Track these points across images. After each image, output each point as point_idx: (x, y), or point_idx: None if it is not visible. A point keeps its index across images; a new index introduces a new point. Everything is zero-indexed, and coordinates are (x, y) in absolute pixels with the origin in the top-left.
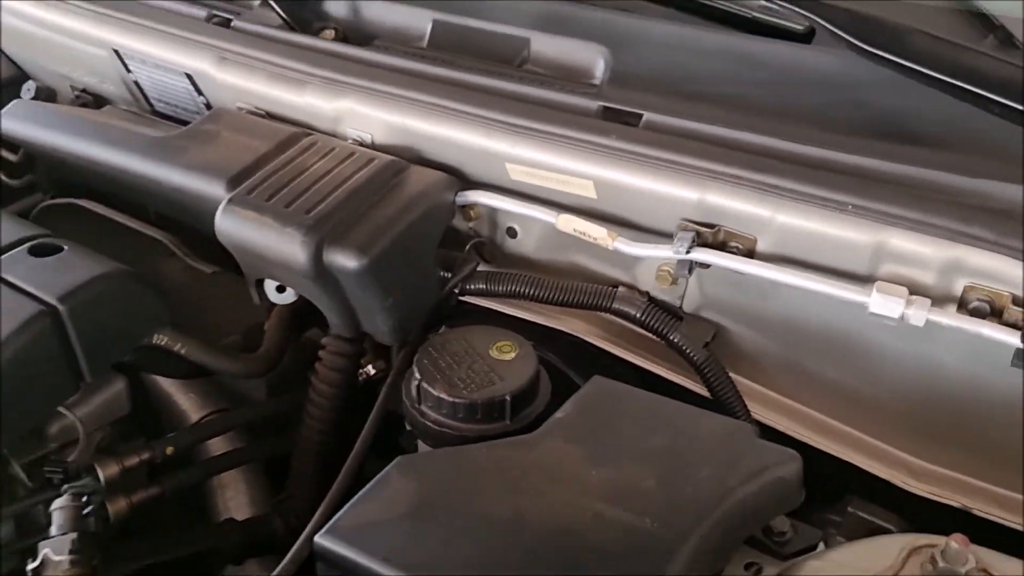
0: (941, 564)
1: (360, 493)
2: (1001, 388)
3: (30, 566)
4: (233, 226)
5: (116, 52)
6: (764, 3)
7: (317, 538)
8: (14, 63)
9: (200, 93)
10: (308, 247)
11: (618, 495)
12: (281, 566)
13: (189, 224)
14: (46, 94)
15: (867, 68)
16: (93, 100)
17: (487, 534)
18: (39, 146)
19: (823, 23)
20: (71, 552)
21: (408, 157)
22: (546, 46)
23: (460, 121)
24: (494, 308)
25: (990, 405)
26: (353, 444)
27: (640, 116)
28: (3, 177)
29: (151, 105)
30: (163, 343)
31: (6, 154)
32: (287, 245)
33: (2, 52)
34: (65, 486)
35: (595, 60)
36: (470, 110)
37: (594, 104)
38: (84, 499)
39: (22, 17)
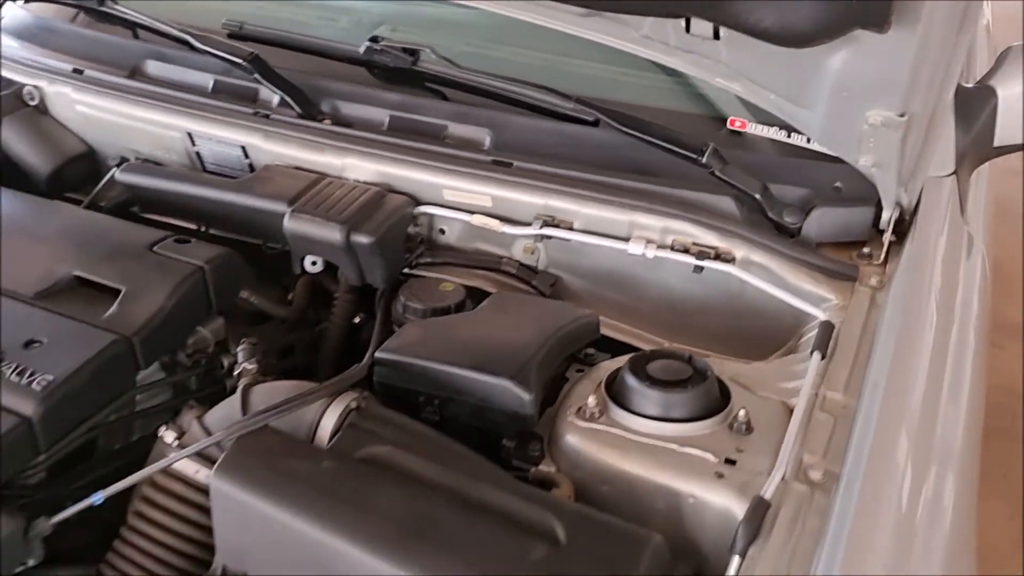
0: None
1: (391, 338)
2: (691, 288)
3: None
4: (296, 224)
5: (189, 134)
6: (576, 105)
7: (378, 353)
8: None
9: (247, 157)
10: (343, 232)
11: (504, 328)
12: (347, 373)
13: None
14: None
15: (623, 138)
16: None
17: (457, 335)
18: (150, 189)
19: (603, 117)
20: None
21: (385, 188)
22: (457, 130)
23: (414, 167)
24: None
25: (688, 298)
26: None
27: (511, 164)
28: None
29: (204, 167)
30: (246, 295)
31: None
32: (330, 231)
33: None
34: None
35: (484, 137)
36: (419, 161)
37: (487, 158)
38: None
39: (101, 110)
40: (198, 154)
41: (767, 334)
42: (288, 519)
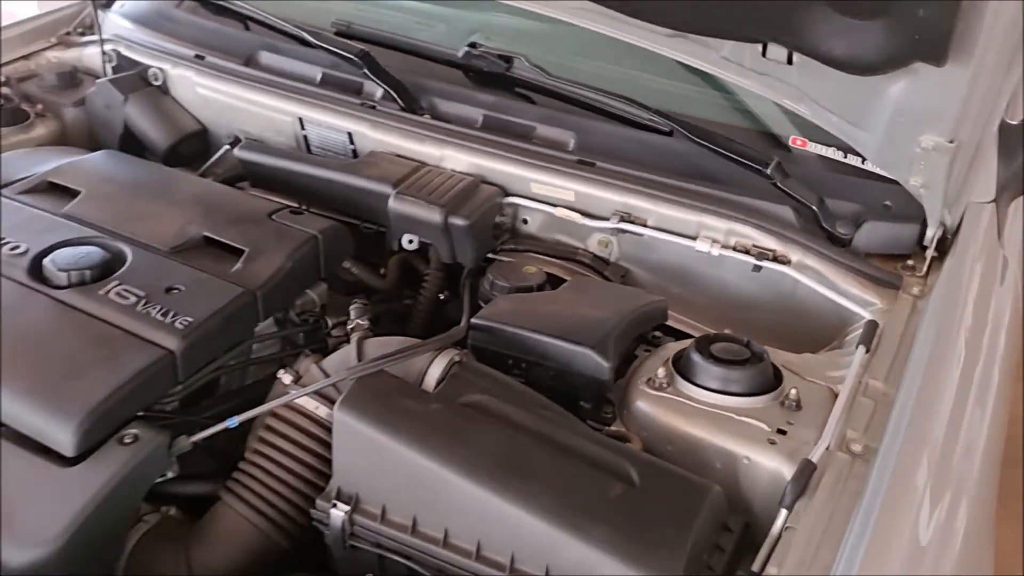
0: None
1: (486, 307)
2: (748, 285)
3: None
4: (399, 205)
5: (300, 119)
6: (654, 116)
7: (475, 319)
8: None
9: (352, 143)
10: (442, 214)
11: (585, 306)
12: (450, 332)
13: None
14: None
15: (693, 147)
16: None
17: (543, 309)
18: (264, 165)
19: (677, 127)
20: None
21: (478, 179)
22: (545, 131)
23: (505, 161)
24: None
25: (744, 294)
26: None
27: (594, 164)
28: None
29: (309, 149)
30: (348, 265)
31: None
32: (431, 213)
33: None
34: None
35: (569, 139)
36: (510, 156)
37: (572, 157)
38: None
39: (220, 92)
40: (305, 137)
41: (814, 331)
42: (400, 449)
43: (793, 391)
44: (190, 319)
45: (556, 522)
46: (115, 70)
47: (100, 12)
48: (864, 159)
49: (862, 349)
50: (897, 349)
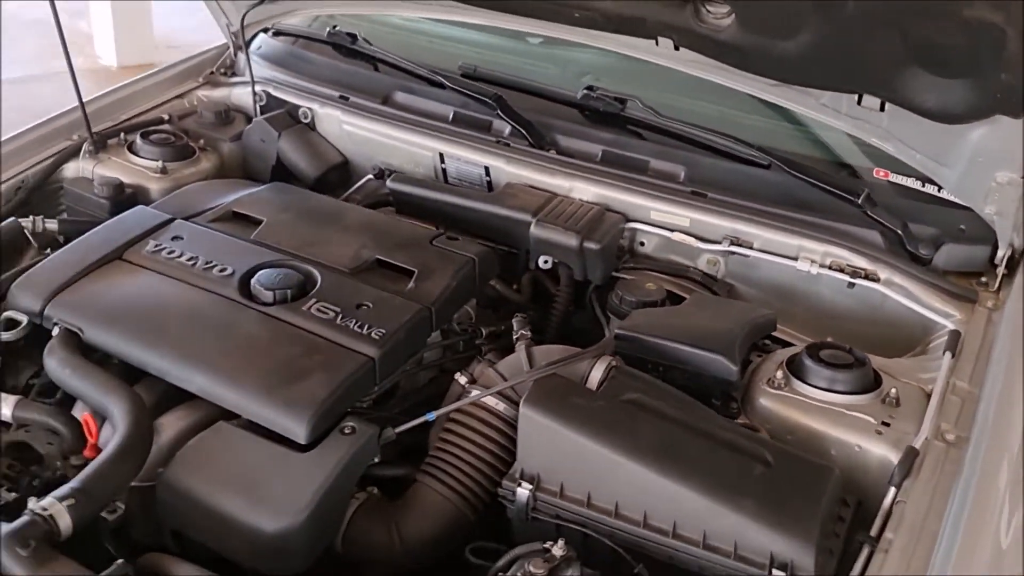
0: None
1: (626, 320)
2: (840, 300)
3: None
4: (540, 232)
5: (440, 154)
6: (754, 151)
7: (618, 330)
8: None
9: (488, 175)
10: (578, 239)
11: (709, 318)
12: (604, 341)
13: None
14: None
15: (789, 179)
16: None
17: (675, 321)
18: (415, 195)
19: (775, 161)
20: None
21: (603, 207)
22: (658, 165)
23: (627, 192)
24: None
25: (837, 308)
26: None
27: (706, 195)
28: None
29: (446, 180)
30: (493, 283)
31: None
32: (568, 239)
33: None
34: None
35: (680, 171)
36: (632, 187)
37: (686, 188)
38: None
39: (364, 129)
40: (444, 170)
41: (899, 340)
42: (576, 438)
43: (893, 390)
44: (383, 331)
45: (711, 496)
46: (263, 109)
47: (240, 54)
48: (940, 188)
49: (948, 355)
50: (978, 355)
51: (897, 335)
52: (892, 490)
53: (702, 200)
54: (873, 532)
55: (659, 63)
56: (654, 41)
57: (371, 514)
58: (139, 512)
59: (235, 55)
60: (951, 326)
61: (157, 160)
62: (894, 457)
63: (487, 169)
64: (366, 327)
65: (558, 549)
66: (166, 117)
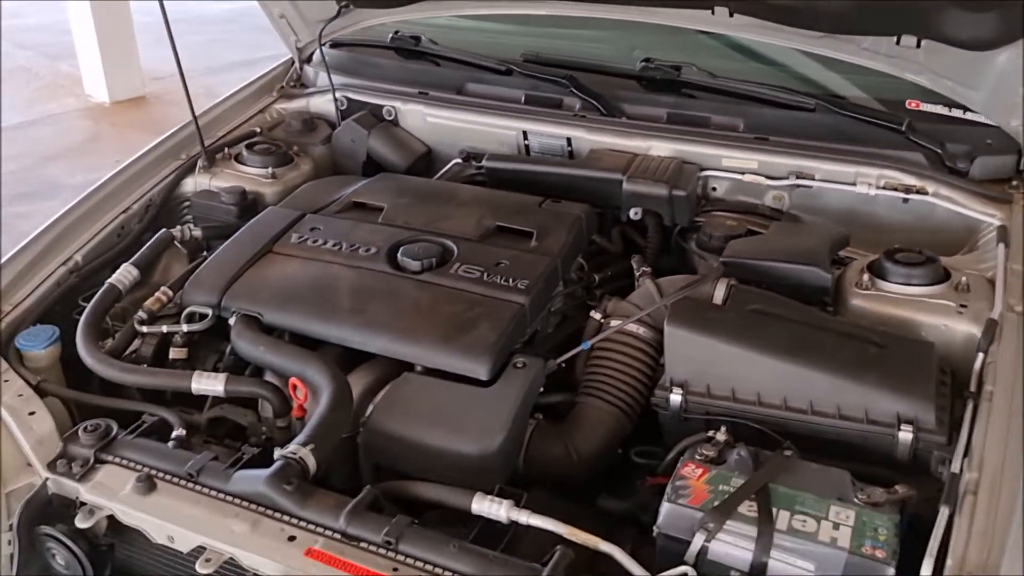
0: None
1: (726, 249)
2: (894, 215)
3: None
4: (632, 186)
5: (524, 132)
6: (802, 98)
7: (723, 257)
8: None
9: (569, 146)
10: (667, 189)
11: (795, 239)
12: (717, 267)
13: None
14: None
15: (835, 117)
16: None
17: (767, 245)
18: (511, 170)
19: (820, 102)
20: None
21: (680, 160)
22: (718, 119)
23: (698, 144)
24: None
25: (892, 222)
26: None
27: (767, 138)
28: None
29: (528, 153)
30: (595, 236)
31: None
32: (659, 189)
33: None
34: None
35: (739, 123)
36: (701, 140)
37: (750, 135)
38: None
39: (448, 119)
40: (527, 146)
41: (950, 243)
42: (717, 344)
43: (963, 279)
44: (527, 281)
45: (839, 374)
46: (343, 113)
47: (306, 67)
48: (965, 110)
49: (1002, 246)
50: (1022, 242)
51: (948, 239)
52: (980, 355)
53: (765, 144)
54: (972, 387)
55: (714, 31)
56: (710, 11)
57: (546, 435)
58: (339, 460)
59: (300, 69)
60: (997, 223)
61: (266, 167)
62: (976, 331)
63: (568, 140)
64: (511, 280)
65: (721, 435)
66: (258, 130)
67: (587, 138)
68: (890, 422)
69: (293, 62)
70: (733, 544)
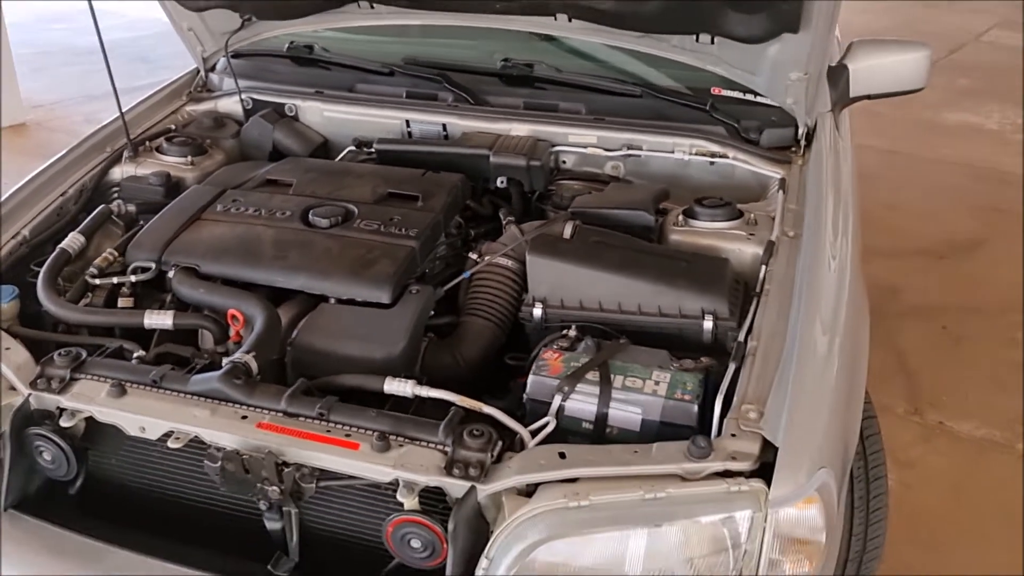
0: None
1: (574, 202)
2: (704, 175)
3: None
4: (498, 159)
5: (407, 121)
6: (630, 87)
7: (572, 208)
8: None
9: (444, 131)
10: (525, 160)
11: (626, 194)
12: (565, 213)
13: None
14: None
15: (658, 101)
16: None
17: (601, 199)
18: (399, 151)
19: (646, 90)
20: (513, 216)
21: (535, 138)
22: (565, 105)
23: (549, 124)
24: None
25: (703, 181)
26: None
27: (604, 119)
28: None
29: (411, 136)
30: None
31: None
32: (519, 160)
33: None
34: None
35: (581, 107)
36: (551, 121)
37: (590, 117)
38: None
39: (342, 113)
40: (410, 133)
41: (747, 196)
42: (567, 266)
43: (752, 215)
44: (416, 230)
45: (659, 283)
46: (248, 112)
47: (211, 74)
48: (756, 95)
49: (781, 193)
50: (798, 191)
51: (746, 193)
52: (763, 268)
53: (602, 123)
54: (758, 287)
55: (556, 33)
56: (553, 17)
57: (437, 347)
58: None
59: (206, 76)
60: (779, 177)
61: (185, 156)
62: (760, 251)
63: (444, 126)
64: (403, 229)
65: (572, 332)
66: (173, 127)
67: (459, 123)
68: (696, 315)
69: (198, 71)
70: (582, 401)
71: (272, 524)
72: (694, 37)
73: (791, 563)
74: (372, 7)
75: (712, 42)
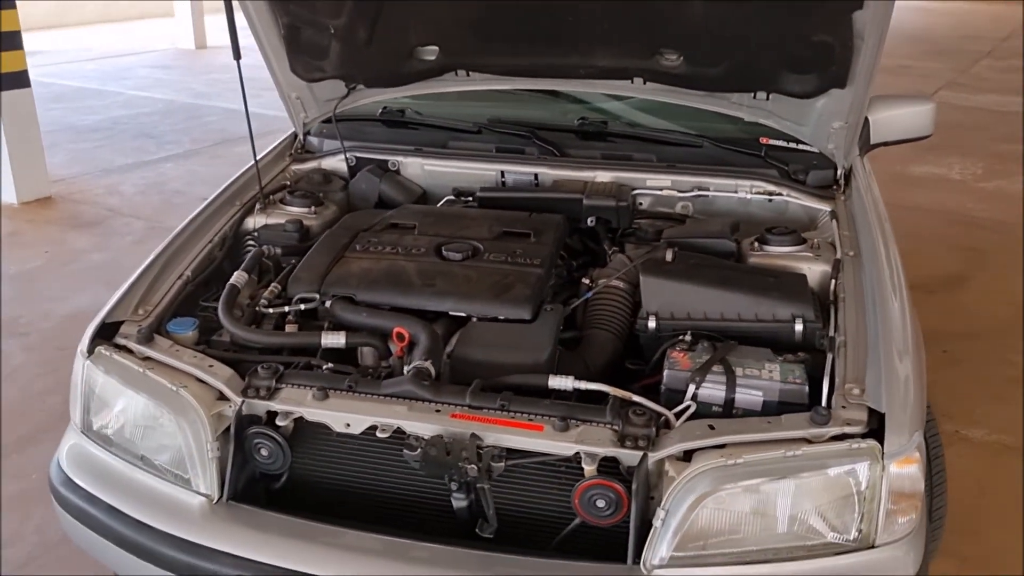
0: None
1: (663, 236)
2: (761, 212)
3: None
4: (591, 201)
5: (502, 172)
6: (693, 139)
7: (665, 237)
8: (419, 186)
9: (536, 180)
10: (614, 201)
11: (706, 223)
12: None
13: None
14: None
15: (717, 150)
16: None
17: (690, 229)
18: (502, 197)
19: (707, 141)
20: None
21: (617, 183)
22: (638, 155)
23: (629, 171)
24: None
25: (760, 215)
26: None
27: (675, 165)
28: None
29: (504, 184)
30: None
31: None
32: (608, 201)
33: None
34: None
35: (652, 156)
36: (629, 169)
37: (664, 164)
38: None
39: (442, 167)
40: (503, 183)
41: (799, 226)
42: (675, 284)
43: (815, 240)
44: (539, 259)
45: (754, 295)
46: (352, 169)
47: (309, 137)
48: (798, 143)
49: (835, 222)
50: (846, 220)
51: (797, 225)
52: (833, 281)
53: (673, 169)
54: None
55: (633, 95)
56: (630, 81)
57: (567, 356)
58: None
59: (304, 139)
60: (828, 210)
61: (308, 207)
62: (827, 268)
63: (536, 175)
64: (527, 259)
65: (687, 337)
66: (288, 183)
67: (550, 173)
68: (788, 320)
69: (295, 136)
70: (712, 388)
71: (459, 503)
72: (752, 94)
73: (900, 513)
74: (468, 75)
75: (767, 98)
